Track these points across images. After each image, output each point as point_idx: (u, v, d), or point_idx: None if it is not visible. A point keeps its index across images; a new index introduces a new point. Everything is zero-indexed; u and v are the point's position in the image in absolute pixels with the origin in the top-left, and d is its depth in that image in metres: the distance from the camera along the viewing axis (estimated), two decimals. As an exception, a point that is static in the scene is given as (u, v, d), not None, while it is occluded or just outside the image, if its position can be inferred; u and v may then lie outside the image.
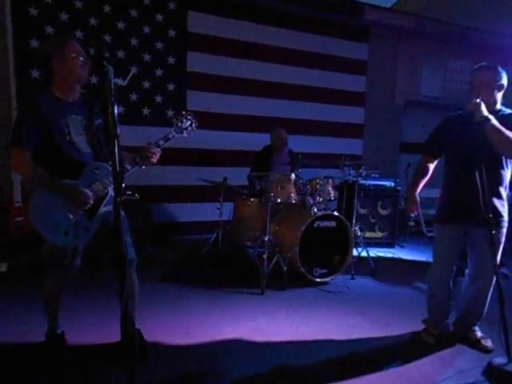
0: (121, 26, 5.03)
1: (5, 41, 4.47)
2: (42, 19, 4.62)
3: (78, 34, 4.78)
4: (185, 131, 2.43)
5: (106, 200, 2.18)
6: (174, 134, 2.39)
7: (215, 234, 4.59)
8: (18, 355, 2.44)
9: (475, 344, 2.71)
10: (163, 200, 5.50)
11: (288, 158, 4.91)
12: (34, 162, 2.10)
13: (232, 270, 4.32)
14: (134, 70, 2.03)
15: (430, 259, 4.80)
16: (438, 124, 2.87)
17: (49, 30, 4.65)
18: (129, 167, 2.20)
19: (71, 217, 2.09)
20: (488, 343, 2.67)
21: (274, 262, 3.89)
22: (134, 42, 5.14)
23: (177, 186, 5.53)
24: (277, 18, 5.96)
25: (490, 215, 2.38)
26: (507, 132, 2.34)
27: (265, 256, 3.84)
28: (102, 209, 2.18)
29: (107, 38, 4.95)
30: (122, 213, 2.17)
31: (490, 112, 2.42)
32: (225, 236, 4.59)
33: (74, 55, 2.12)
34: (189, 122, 2.44)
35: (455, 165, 2.68)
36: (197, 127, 2.50)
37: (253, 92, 5.91)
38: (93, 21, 4.87)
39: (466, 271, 2.85)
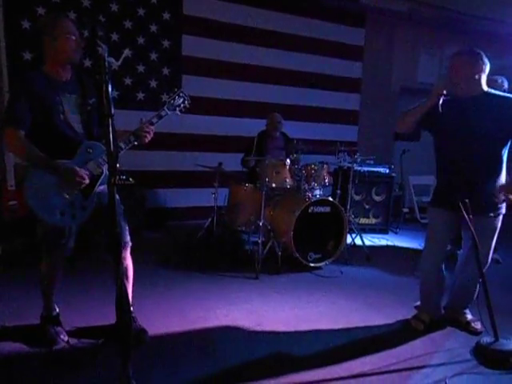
0: (114, 7, 4.93)
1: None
2: (33, 0, 4.53)
3: (71, 15, 4.69)
4: (177, 108, 2.41)
5: (101, 179, 2.17)
6: (167, 111, 2.35)
7: (210, 219, 4.60)
8: (11, 337, 2.44)
9: (465, 326, 2.76)
10: (158, 185, 5.49)
11: (282, 143, 4.91)
12: (29, 142, 2.06)
13: (226, 254, 4.34)
14: (127, 52, 1.97)
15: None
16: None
17: (41, 10, 4.56)
18: (123, 146, 2.18)
19: (67, 197, 2.08)
20: (477, 325, 2.72)
21: (268, 246, 3.91)
22: (127, 24, 5.04)
23: (171, 171, 5.51)
24: (272, 2, 5.88)
25: (484, 202, 2.41)
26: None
27: (259, 241, 3.86)
28: (98, 188, 2.18)
29: (101, 19, 4.86)
30: (117, 196, 2.18)
31: (476, 96, 2.49)
32: (219, 221, 4.60)
33: (67, 35, 2.07)
34: (181, 100, 2.41)
35: (449, 149, 2.65)
36: (189, 104, 2.47)
37: (248, 77, 5.86)
38: (86, 2, 4.77)
39: (459, 252, 2.87)
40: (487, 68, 2.52)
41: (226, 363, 2.30)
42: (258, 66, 5.93)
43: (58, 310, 2.51)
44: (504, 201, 2.54)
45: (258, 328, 2.74)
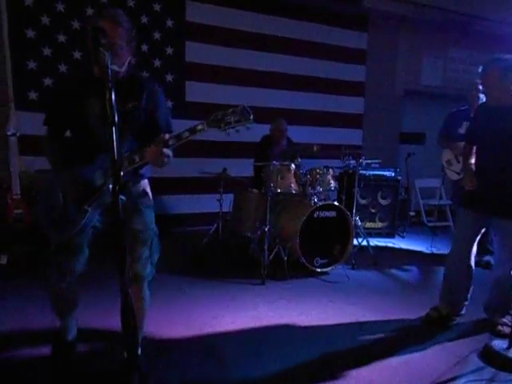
0: (118, 15, 4.96)
1: (0, 31, 4.42)
2: (37, 9, 4.56)
3: (75, 23, 4.73)
4: (226, 126, 1.80)
5: (101, 191, 1.90)
6: (205, 125, 1.78)
7: (215, 225, 4.59)
8: (17, 346, 2.43)
9: (492, 328, 2.78)
10: (163, 192, 5.48)
11: (286, 148, 4.89)
12: (64, 143, 2.03)
13: (232, 260, 4.32)
14: (131, 59, 1.86)
15: (431, 249, 4.89)
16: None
17: (44, 20, 4.60)
18: (136, 159, 1.85)
19: (62, 205, 1.91)
20: (504, 329, 2.71)
21: (274, 252, 3.88)
22: (131, 32, 5.06)
23: (175, 177, 5.50)
24: (275, 7, 5.88)
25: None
26: None
27: (265, 246, 3.84)
28: (104, 200, 1.92)
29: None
30: (144, 216, 2.01)
31: (508, 105, 2.55)
32: (225, 227, 4.59)
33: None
34: (236, 117, 1.79)
35: (479, 154, 2.77)
36: (250, 125, 1.86)
37: (252, 82, 5.86)
38: (89, 10, 4.80)
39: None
40: None
41: (233, 370, 2.28)
42: (261, 72, 5.93)
43: (75, 333, 2.27)
44: None
45: (265, 334, 2.72)
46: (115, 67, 1.36)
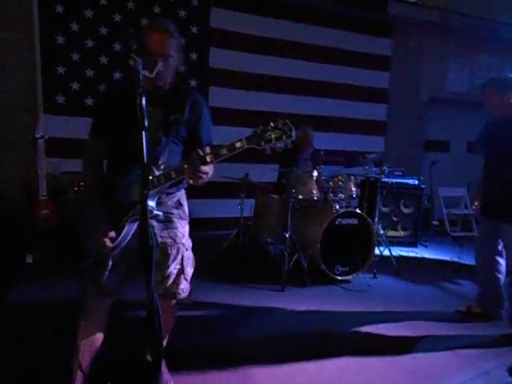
0: (144, 22, 5.05)
1: (32, 38, 4.57)
2: (67, 16, 4.69)
3: (103, 30, 4.84)
4: (268, 144, 1.66)
5: (135, 208, 1.75)
6: (244, 143, 1.66)
7: (236, 230, 4.59)
8: (43, 344, 2.48)
9: None
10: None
11: (309, 155, 4.88)
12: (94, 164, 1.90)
13: (252, 266, 4.31)
14: (160, 65, 1.83)
15: (455, 259, 4.78)
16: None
17: (74, 26, 4.73)
18: (173, 175, 1.73)
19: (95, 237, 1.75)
20: None
21: (294, 258, 3.86)
22: (157, 38, 5.15)
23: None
24: (299, 14, 5.90)
25: None
26: None
27: (285, 253, 3.82)
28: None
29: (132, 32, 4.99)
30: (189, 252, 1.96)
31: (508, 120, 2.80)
32: (245, 232, 4.59)
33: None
34: (278, 134, 1.65)
35: (485, 165, 3.01)
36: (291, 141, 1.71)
37: (275, 88, 5.88)
38: (117, 17, 4.92)
39: None
40: None
41: (250, 376, 2.27)
42: (284, 78, 5.94)
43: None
44: None
45: (283, 340, 2.70)
46: (146, 73, 1.37)
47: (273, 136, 1.63)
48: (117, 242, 1.75)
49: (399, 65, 6.71)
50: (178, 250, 1.94)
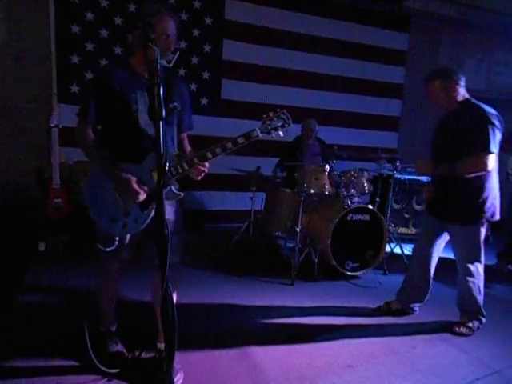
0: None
1: (47, 27, 4.58)
2: (83, 5, 4.70)
3: (117, 19, 4.84)
4: (273, 131, 1.95)
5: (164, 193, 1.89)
6: (258, 132, 1.92)
7: (246, 223, 4.59)
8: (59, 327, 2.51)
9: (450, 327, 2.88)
10: (195, 187, 5.54)
11: (318, 149, 4.83)
12: (102, 138, 1.99)
13: (262, 259, 4.32)
14: (177, 55, 1.87)
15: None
16: None
17: (89, 15, 4.73)
18: (185, 166, 1.93)
19: (122, 205, 1.94)
20: (461, 329, 2.82)
21: (304, 253, 3.85)
22: (171, 29, 5.14)
23: (210, 174, 5.54)
24: (314, 7, 5.83)
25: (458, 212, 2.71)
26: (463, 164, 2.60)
27: (296, 247, 3.81)
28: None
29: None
30: (172, 207, 2.06)
31: (456, 109, 2.75)
32: (256, 225, 4.59)
33: (163, 36, 1.91)
34: (281, 122, 1.95)
35: (437, 163, 2.87)
36: (289, 127, 1.99)
37: (288, 82, 5.83)
38: (132, 7, 4.91)
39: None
40: (461, 79, 2.78)
41: (260, 369, 2.27)
42: (297, 71, 5.89)
43: (116, 325, 2.37)
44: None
45: (292, 334, 2.71)
46: (164, 62, 1.36)
47: (278, 124, 1.93)
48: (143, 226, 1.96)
49: (415, 60, 6.60)
50: (180, 225, 2.18)
